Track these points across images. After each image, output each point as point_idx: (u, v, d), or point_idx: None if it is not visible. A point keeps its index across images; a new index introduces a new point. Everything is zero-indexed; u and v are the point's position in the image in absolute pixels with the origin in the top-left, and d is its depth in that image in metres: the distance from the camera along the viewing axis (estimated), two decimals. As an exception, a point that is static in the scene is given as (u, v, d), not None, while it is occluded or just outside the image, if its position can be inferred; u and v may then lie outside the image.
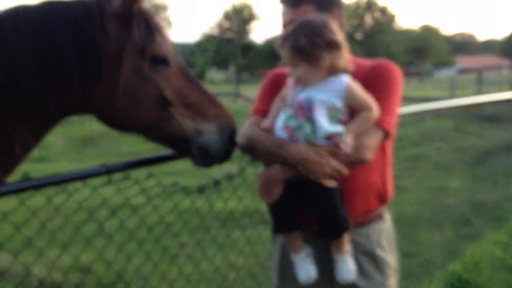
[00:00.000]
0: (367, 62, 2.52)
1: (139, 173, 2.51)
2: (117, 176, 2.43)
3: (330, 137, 2.18)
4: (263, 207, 3.95)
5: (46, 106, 2.12)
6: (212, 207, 3.13)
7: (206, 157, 2.27)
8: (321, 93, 2.20)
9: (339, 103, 2.20)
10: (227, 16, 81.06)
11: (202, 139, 2.24)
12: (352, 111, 2.27)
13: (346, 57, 2.24)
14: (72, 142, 13.92)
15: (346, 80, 2.22)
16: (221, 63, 78.91)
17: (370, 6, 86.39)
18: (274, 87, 2.58)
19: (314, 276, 2.38)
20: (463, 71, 55.98)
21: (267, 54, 73.96)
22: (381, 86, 2.37)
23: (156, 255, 5.10)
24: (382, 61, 2.51)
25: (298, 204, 2.35)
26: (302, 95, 2.23)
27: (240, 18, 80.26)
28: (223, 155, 2.29)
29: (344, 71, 2.24)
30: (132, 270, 4.12)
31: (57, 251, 5.53)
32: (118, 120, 2.23)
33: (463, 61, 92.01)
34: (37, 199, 2.20)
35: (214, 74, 71.87)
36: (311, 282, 2.39)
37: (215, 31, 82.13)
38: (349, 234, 2.42)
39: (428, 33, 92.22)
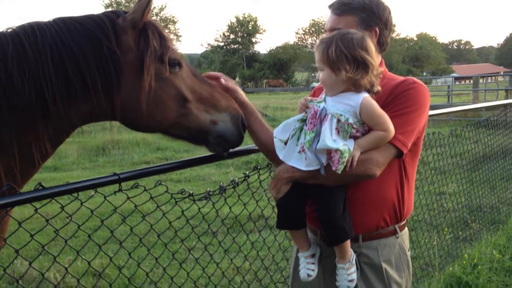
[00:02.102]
0: (397, 78, 2.53)
1: (148, 181, 2.63)
2: (128, 184, 2.55)
3: (328, 152, 2.22)
4: (267, 213, 4.09)
5: (68, 116, 2.24)
6: (218, 213, 3.24)
7: (223, 143, 2.54)
8: (337, 107, 2.25)
9: (352, 119, 2.23)
10: (231, 28, 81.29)
11: (218, 128, 2.50)
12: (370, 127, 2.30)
13: (371, 78, 2.26)
14: (85, 151, 14.02)
15: (363, 97, 2.25)
16: (227, 74, 79.27)
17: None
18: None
19: (312, 276, 2.47)
20: (459, 79, 56.18)
21: (271, 64, 74.15)
22: (401, 104, 2.38)
23: (165, 260, 5.24)
24: (409, 79, 2.50)
25: (310, 205, 2.43)
26: (321, 105, 2.30)
27: (245, 30, 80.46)
28: (238, 139, 2.55)
29: (368, 90, 2.27)
30: (142, 275, 4.25)
31: (70, 257, 5.67)
32: (144, 123, 2.42)
33: (460, 69, 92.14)
34: (51, 206, 2.31)
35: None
36: (308, 281, 2.49)
37: (221, 42, 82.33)
38: (357, 245, 2.49)
39: (426, 41, 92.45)
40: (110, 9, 70.93)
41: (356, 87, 2.26)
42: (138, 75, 2.29)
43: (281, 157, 2.36)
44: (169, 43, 2.42)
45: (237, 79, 72.88)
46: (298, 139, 2.33)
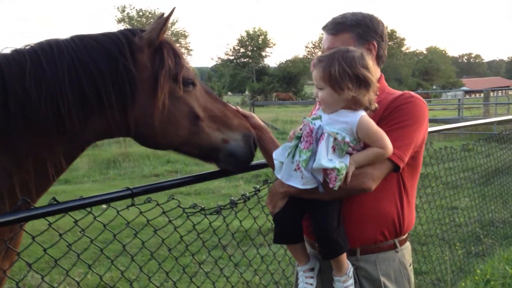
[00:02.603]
0: (394, 93, 2.54)
1: (160, 194, 2.64)
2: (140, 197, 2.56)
3: (325, 169, 2.22)
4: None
5: (83, 133, 2.27)
6: (228, 227, 3.24)
7: (233, 161, 2.55)
8: (333, 125, 2.25)
9: (348, 137, 2.23)
10: (241, 42, 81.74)
11: (229, 146, 2.52)
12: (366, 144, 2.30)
13: (371, 96, 2.26)
14: (96, 164, 14.10)
15: (360, 115, 2.24)
16: (236, 87, 79.45)
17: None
18: None
19: None
20: (470, 92, 56.04)
21: (281, 78, 74.37)
22: (397, 118, 2.39)
23: (175, 274, 5.23)
24: (406, 93, 2.51)
25: (301, 220, 2.44)
26: (317, 123, 2.29)
27: (254, 44, 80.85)
28: (249, 158, 2.58)
29: (366, 108, 2.27)
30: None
31: (81, 269, 5.68)
32: (156, 140, 2.45)
33: (470, 83, 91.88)
34: (62, 219, 2.32)
35: (230, 98, 72.29)
36: None
37: (231, 56, 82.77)
38: (355, 259, 2.50)
39: (435, 55, 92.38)
40: (122, 23, 71.97)
41: (356, 105, 2.25)
42: (152, 93, 2.33)
43: (279, 177, 2.37)
44: (184, 62, 2.46)
45: (246, 92, 73.12)
46: (293, 156, 2.33)
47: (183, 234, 3.03)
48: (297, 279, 2.73)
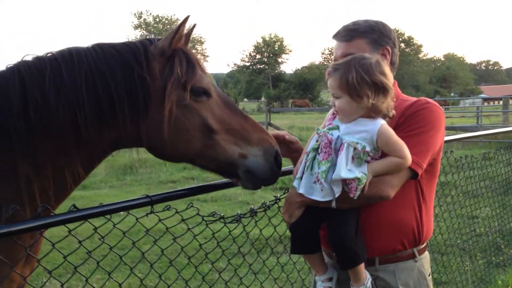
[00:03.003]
0: (409, 100, 2.52)
1: (178, 201, 2.62)
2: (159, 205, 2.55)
3: (343, 181, 2.19)
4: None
5: (99, 142, 2.28)
6: (248, 236, 3.22)
7: (253, 179, 2.39)
8: (352, 135, 2.21)
9: (368, 147, 2.19)
10: (258, 48, 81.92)
11: (247, 162, 2.37)
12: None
13: (390, 102, 2.23)
14: (113, 170, 14.23)
15: (380, 124, 2.21)
16: (252, 94, 79.60)
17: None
18: None
19: None
20: (488, 100, 55.52)
21: (297, 84, 74.38)
22: (414, 124, 2.37)
23: (192, 282, 5.21)
24: (422, 99, 2.49)
25: (318, 229, 2.41)
26: (335, 133, 2.25)
27: (271, 51, 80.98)
28: (270, 176, 2.40)
29: (384, 115, 2.25)
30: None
31: (98, 276, 5.69)
32: (168, 152, 2.38)
33: (488, 90, 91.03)
34: (82, 226, 2.33)
35: (246, 104, 72.41)
36: None
37: (247, 62, 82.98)
38: (374, 269, 2.46)
39: (453, 62, 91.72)
40: (139, 29, 72.55)
41: (375, 113, 2.22)
42: (162, 102, 2.29)
43: (302, 192, 2.31)
44: (198, 71, 2.38)
45: (262, 98, 73.16)
46: (311, 169, 2.29)
47: (202, 242, 3.01)
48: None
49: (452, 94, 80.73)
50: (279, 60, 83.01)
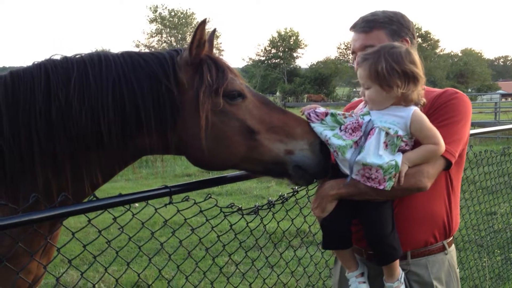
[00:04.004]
0: (436, 91, 2.50)
1: (194, 194, 2.62)
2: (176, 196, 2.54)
3: (365, 169, 2.17)
4: (314, 229, 4.03)
5: (122, 150, 2.26)
6: (266, 228, 3.21)
7: (304, 175, 2.30)
8: (385, 120, 2.20)
9: (401, 131, 2.18)
10: (273, 43, 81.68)
11: (295, 158, 2.27)
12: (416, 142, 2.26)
13: (420, 91, 2.22)
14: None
15: (413, 109, 2.20)
16: (267, 88, 79.52)
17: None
18: None
19: None
20: (506, 96, 54.81)
21: (312, 79, 74.11)
22: (445, 114, 2.36)
23: (208, 274, 5.23)
24: (450, 89, 2.48)
25: (354, 225, 2.37)
26: (366, 118, 2.24)
27: (286, 45, 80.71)
28: (321, 169, 2.29)
29: (416, 104, 2.23)
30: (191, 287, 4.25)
31: (114, 267, 5.73)
32: (207, 160, 2.34)
33: (506, 86, 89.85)
34: (98, 217, 2.33)
35: (262, 98, 72.27)
36: None
37: (263, 57, 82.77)
38: (406, 263, 2.44)
39: (471, 57, 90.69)
40: (154, 23, 72.67)
41: (406, 101, 2.21)
42: (197, 112, 2.25)
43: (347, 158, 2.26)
44: (228, 75, 2.33)
45: (277, 93, 73.01)
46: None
47: (219, 234, 3.01)
48: (341, 284, 2.67)
49: (469, 90, 79.82)
50: (294, 54, 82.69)
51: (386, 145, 2.17)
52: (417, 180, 2.22)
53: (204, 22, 2.29)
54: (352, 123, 2.25)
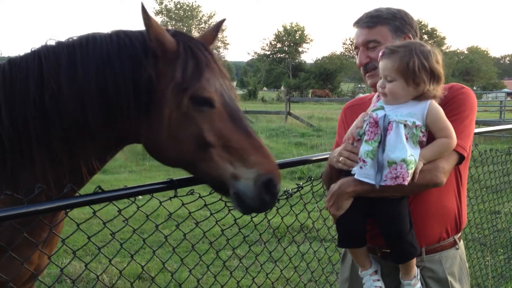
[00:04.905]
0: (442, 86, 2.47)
1: (199, 188, 2.62)
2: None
3: (392, 164, 2.14)
4: (318, 225, 4.03)
5: (108, 135, 2.24)
6: (270, 223, 3.21)
7: (241, 204, 2.18)
8: (400, 113, 2.18)
9: (419, 122, 2.17)
10: (278, 37, 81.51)
11: (237, 185, 2.15)
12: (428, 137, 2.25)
13: (439, 91, 2.24)
14: (132, 155, 14.29)
15: (429, 101, 2.21)
16: (272, 83, 79.45)
17: (419, 29, 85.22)
18: (347, 119, 2.64)
19: None
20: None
21: (317, 74, 74.04)
22: (454, 109, 2.36)
23: (211, 268, 5.24)
24: (457, 84, 2.49)
25: (368, 223, 2.35)
26: (380, 113, 2.22)
27: (291, 40, 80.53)
28: (258, 205, 2.17)
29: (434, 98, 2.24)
30: (192, 280, 4.26)
31: (117, 259, 5.74)
32: (162, 155, 2.29)
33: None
34: (103, 210, 2.34)
35: (265, 93, 72.17)
36: None
37: (268, 51, 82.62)
38: (420, 259, 2.42)
39: (476, 55, 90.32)
40: (160, 15, 72.48)
41: (426, 98, 2.21)
42: (163, 106, 2.18)
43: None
44: (205, 77, 2.19)
45: (282, 88, 72.96)
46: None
47: (224, 228, 3.01)
48: (352, 282, 2.65)
49: (474, 88, 79.46)
50: (300, 49, 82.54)
51: (407, 138, 2.16)
52: (434, 175, 2.22)
53: (143, 7, 2.14)
54: (370, 122, 2.23)
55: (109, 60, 2.18)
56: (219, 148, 2.16)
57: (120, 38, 2.24)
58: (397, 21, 2.52)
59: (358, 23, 2.59)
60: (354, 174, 2.27)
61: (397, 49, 2.22)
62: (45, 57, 2.19)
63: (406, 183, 2.14)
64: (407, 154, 2.12)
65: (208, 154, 2.17)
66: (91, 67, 2.17)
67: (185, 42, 2.25)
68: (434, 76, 2.19)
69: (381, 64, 2.25)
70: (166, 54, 2.19)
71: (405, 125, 2.16)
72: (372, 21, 2.53)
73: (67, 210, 2.21)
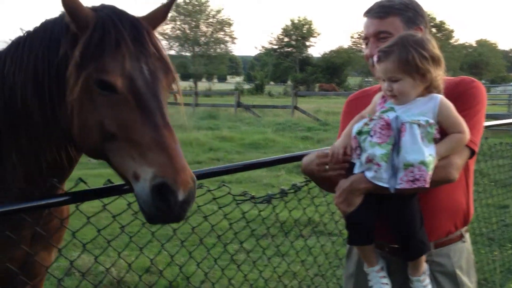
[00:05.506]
0: (451, 79, 2.46)
1: (206, 181, 2.63)
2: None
3: (409, 166, 2.09)
4: (325, 219, 4.04)
5: (57, 124, 2.09)
6: (278, 217, 3.22)
7: (141, 209, 1.90)
8: (411, 113, 2.15)
9: (432, 120, 2.14)
10: (286, 31, 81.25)
11: (136, 186, 1.87)
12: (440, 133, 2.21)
13: (442, 76, 2.21)
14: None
15: (439, 96, 2.18)
16: (279, 77, 79.34)
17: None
18: (352, 111, 2.57)
19: None
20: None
21: (324, 68, 73.83)
22: (466, 104, 2.32)
23: (220, 262, 5.26)
24: (467, 78, 2.46)
25: (377, 219, 2.31)
26: (391, 114, 2.17)
27: (299, 34, 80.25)
28: (154, 212, 1.85)
29: (439, 90, 2.21)
30: (200, 274, 4.29)
31: (126, 252, 5.77)
32: (78, 144, 2.09)
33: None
34: (114, 202, 2.35)
35: (272, 87, 72.06)
36: None
37: (275, 45, 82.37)
38: (429, 254, 2.38)
39: (485, 48, 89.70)
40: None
41: (434, 87, 2.19)
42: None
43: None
44: (110, 56, 1.92)
45: (289, 82, 72.83)
46: (364, 151, 2.21)
47: (230, 222, 3.03)
48: (359, 284, 2.63)
49: (483, 81, 79.04)
50: (307, 43, 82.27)
51: (422, 138, 2.12)
52: (447, 172, 2.20)
53: None
54: (379, 123, 2.18)
55: (36, 44, 2.10)
56: (123, 141, 1.89)
57: (47, 21, 2.16)
58: (409, 12, 2.46)
59: (369, 13, 2.52)
60: (361, 172, 2.25)
61: (391, 49, 2.18)
62: (5, 53, 2.18)
63: (428, 185, 2.10)
64: (425, 155, 2.08)
65: (113, 145, 1.92)
66: (27, 56, 2.10)
67: (103, 16, 2.00)
68: (435, 61, 2.17)
69: (381, 68, 2.21)
70: (80, 29, 1.97)
71: (418, 125, 2.12)
72: (383, 11, 2.46)
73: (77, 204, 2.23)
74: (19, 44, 2.16)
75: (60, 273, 5.11)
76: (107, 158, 1.99)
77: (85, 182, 2.22)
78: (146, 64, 1.97)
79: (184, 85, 74.47)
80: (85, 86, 1.91)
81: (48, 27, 2.12)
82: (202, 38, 70.69)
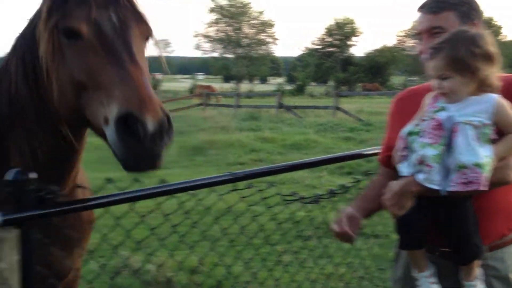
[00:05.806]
0: (507, 76, 2.37)
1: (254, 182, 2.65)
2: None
3: (463, 168, 2.04)
4: (372, 221, 4.00)
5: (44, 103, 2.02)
6: (324, 218, 3.22)
7: (115, 156, 1.75)
8: (465, 113, 2.09)
9: (486, 120, 2.07)
10: (329, 31, 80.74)
11: (107, 131, 1.72)
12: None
13: (497, 74, 2.13)
14: (183, 151, 14.56)
15: (495, 96, 2.11)
16: (321, 77, 78.82)
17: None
18: (402, 111, 2.51)
19: None
20: None
21: (367, 68, 72.93)
22: None
23: (257, 261, 5.26)
24: None
25: (429, 222, 2.26)
26: (443, 114, 2.13)
27: (342, 33, 79.62)
28: (126, 153, 1.69)
29: (493, 89, 2.14)
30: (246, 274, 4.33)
31: (178, 252, 5.87)
32: (61, 114, 1.96)
33: None
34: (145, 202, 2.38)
35: (314, 88, 71.67)
36: None
37: (318, 45, 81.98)
38: (483, 258, 2.30)
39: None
40: (214, 13, 72.98)
41: (487, 86, 2.12)
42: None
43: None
44: (69, 5, 1.84)
45: (330, 82, 72.26)
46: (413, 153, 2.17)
47: (276, 222, 3.04)
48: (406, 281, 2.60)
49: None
50: (349, 43, 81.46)
51: (477, 139, 2.07)
52: (505, 174, 2.15)
53: None
54: (431, 123, 2.14)
55: (26, 28, 2.11)
56: (92, 89, 1.78)
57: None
58: (464, 7, 2.38)
59: (423, 8, 2.44)
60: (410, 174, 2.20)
61: (441, 46, 2.13)
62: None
63: (482, 187, 2.05)
64: (480, 157, 2.03)
65: (86, 98, 1.80)
66: (18, 42, 2.12)
67: None
68: (488, 59, 2.09)
69: (431, 65, 2.17)
70: None
71: (473, 126, 2.07)
72: (438, 6, 2.38)
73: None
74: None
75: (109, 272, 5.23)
76: (87, 120, 1.87)
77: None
78: (115, 13, 1.86)
79: (226, 86, 74.94)
80: (52, 40, 1.85)
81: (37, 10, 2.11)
82: (244, 40, 70.96)
